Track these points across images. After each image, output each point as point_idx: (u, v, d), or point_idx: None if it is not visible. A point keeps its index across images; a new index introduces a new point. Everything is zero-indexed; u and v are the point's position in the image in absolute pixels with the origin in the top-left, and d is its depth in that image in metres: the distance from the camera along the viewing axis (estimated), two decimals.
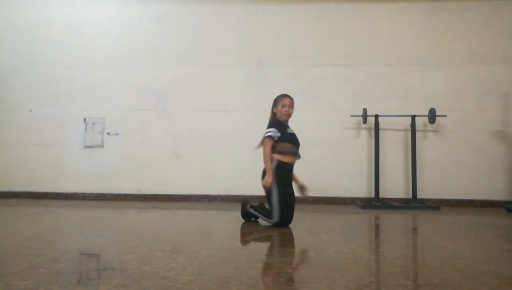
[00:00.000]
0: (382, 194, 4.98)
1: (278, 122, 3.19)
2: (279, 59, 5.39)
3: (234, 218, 3.46)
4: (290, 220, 3.07)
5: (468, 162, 5.08)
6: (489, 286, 1.55)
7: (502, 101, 5.12)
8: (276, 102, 3.27)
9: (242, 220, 3.36)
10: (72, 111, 5.48)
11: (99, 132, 5.42)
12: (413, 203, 4.78)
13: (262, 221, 3.23)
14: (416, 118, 4.98)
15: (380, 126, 5.04)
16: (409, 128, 5.00)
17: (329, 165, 5.12)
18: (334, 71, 5.32)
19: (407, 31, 5.32)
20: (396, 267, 1.86)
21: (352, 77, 5.29)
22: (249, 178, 5.05)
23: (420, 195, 4.95)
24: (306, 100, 5.21)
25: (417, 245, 2.61)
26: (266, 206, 3.21)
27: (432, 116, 4.90)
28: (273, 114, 3.29)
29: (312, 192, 4.87)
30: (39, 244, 2.29)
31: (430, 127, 5.15)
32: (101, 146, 5.41)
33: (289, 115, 3.24)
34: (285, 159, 3.12)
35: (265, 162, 3.08)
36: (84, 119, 5.46)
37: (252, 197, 4.81)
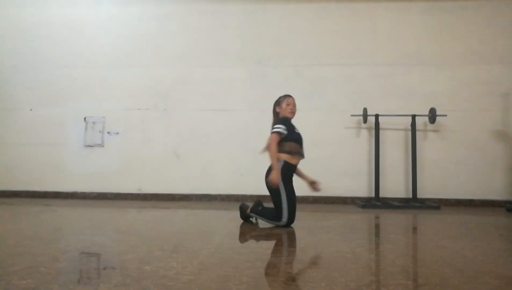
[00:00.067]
0: (382, 194, 4.98)
1: (286, 120, 3.16)
2: (279, 59, 5.39)
3: (234, 218, 3.46)
4: (294, 220, 3.06)
5: (468, 162, 5.08)
6: (489, 285, 1.55)
7: (502, 101, 5.12)
8: (279, 102, 3.26)
9: (242, 220, 3.35)
10: (72, 110, 5.49)
11: (99, 132, 5.42)
12: (413, 203, 4.78)
13: (260, 221, 3.21)
14: (416, 117, 4.98)
15: (381, 125, 5.04)
16: (409, 127, 5.00)
17: (329, 165, 5.12)
18: (334, 71, 5.32)
19: (407, 30, 5.32)
20: (396, 267, 1.86)
21: (352, 76, 5.29)
22: (249, 177, 5.06)
23: (420, 194, 4.95)
24: (306, 100, 5.21)
25: (417, 245, 2.61)
26: (264, 205, 3.20)
27: (432, 115, 4.90)
28: (277, 114, 3.27)
29: (312, 192, 4.89)
30: (39, 243, 2.29)
31: (430, 126, 5.15)
32: (101, 145, 5.41)
33: (294, 114, 3.23)
34: (292, 160, 3.09)
35: (271, 158, 3.00)
36: (84, 119, 5.46)
37: (252, 196, 4.82)
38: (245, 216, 3.26)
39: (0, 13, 5.68)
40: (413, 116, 4.95)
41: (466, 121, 5.12)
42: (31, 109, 5.51)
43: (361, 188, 5.14)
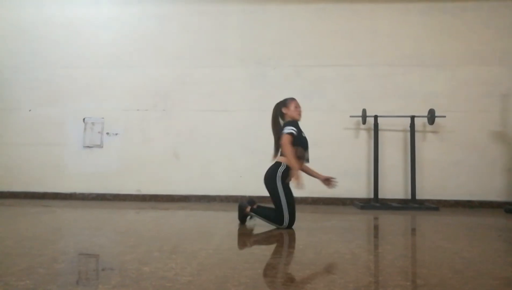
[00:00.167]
0: (381, 195, 4.98)
1: (295, 123, 3.13)
2: (279, 59, 5.39)
3: (233, 219, 3.46)
4: (294, 221, 3.05)
5: (467, 163, 5.09)
6: (487, 286, 1.55)
7: (501, 102, 5.12)
8: (286, 103, 3.22)
9: (239, 220, 3.31)
10: (71, 111, 5.48)
11: (99, 132, 5.42)
12: (412, 204, 4.79)
13: (258, 220, 3.19)
14: (416, 118, 4.98)
15: (380, 126, 5.04)
16: (409, 128, 5.00)
17: (328, 166, 5.08)
18: (334, 71, 5.32)
19: (406, 31, 5.32)
20: (395, 268, 1.86)
21: (351, 77, 5.30)
22: (248, 178, 5.06)
23: (419, 195, 4.95)
24: (305, 100, 5.16)
25: (416, 246, 2.62)
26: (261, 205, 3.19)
27: (431, 116, 4.90)
28: (282, 114, 3.22)
29: (311, 193, 4.90)
30: (38, 244, 2.29)
31: (429, 127, 5.15)
32: (100, 146, 5.41)
33: (301, 116, 3.23)
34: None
35: (290, 159, 2.94)
36: (84, 119, 5.45)
37: (251, 197, 4.81)
38: (243, 215, 3.22)
39: (0, 13, 5.68)
40: (412, 117, 4.96)
41: (465, 122, 5.13)
42: (30, 110, 5.50)
43: (360, 189, 5.14)
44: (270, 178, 3.06)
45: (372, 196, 4.99)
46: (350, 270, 1.80)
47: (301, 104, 3.27)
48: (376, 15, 5.37)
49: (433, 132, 5.18)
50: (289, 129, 3.02)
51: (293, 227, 3.03)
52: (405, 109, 5.11)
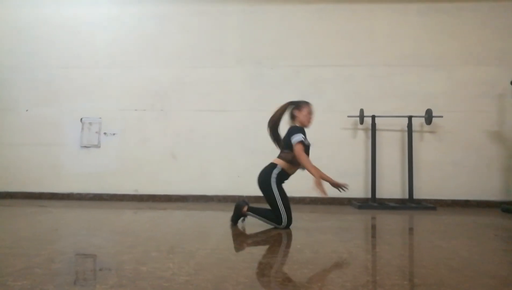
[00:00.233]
0: (378, 195, 4.99)
1: (303, 129, 3.10)
2: (277, 59, 5.39)
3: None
4: (292, 221, 3.05)
5: (464, 163, 5.10)
6: (485, 285, 1.56)
7: (498, 102, 5.14)
8: (300, 106, 3.17)
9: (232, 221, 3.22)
10: (69, 111, 5.46)
11: (96, 132, 5.40)
12: (410, 204, 4.80)
13: (249, 221, 3.17)
14: (413, 118, 4.99)
15: (377, 126, 5.05)
16: (406, 128, 5.02)
17: (326, 165, 5.05)
18: (333, 72, 5.32)
19: (405, 31, 5.33)
20: (392, 267, 1.86)
21: (350, 77, 5.30)
22: (246, 178, 5.05)
23: (417, 195, 4.96)
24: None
25: (413, 245, 2.62)
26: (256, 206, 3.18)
27: (428, 116, 4.91)
28: (293, 117, 3.18)
29: (309, 193, 4.90)
30: (35, 244, 2.28)
31: (426, 127, 5.16)
32: (97, 146, 5.39)
33: (311, 124, 3.21)
34: (290, 169, 3.08)
35: (309, 168, 2.93)
36: (81, 119, 5.44)
37: (249, 197, 4.81)
38: (239, 215, 3.16)
39: None
40: (410, 117, 4.97)
41: (462, 122, 5.14)
42: (27, 110, 5.48)
43: (358, 189, 5.15)
44: (265, 180, 3.05)
45: (369, 196, 5.00)
46: (348, 270, 1.80)
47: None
48: (375, 15, 5.38)
49: (431, 132, 5.19)
50: (299, 137, 2.99)
51: (291, 227, 3.03)
52: (402, 109, 5.13)
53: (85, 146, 5.39)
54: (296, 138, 2.99)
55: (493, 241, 2.71)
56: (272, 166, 3.09)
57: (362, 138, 5.24)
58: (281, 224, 2.98)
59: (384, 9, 5.37)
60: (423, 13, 5.32)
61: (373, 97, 5.23)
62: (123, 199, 5.22)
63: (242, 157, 5.17)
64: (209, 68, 5.41)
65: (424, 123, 5.07)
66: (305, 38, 5.40)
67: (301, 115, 3.15)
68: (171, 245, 2.31)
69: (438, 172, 5.11)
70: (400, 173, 5.15)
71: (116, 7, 5.56)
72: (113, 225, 3.25)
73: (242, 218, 3.20)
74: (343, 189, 3.19)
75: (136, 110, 5.41)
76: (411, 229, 3.45)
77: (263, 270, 1.79)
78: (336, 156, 5.15)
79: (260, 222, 3.11)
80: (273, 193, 3.00)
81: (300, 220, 3.44)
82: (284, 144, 3.13)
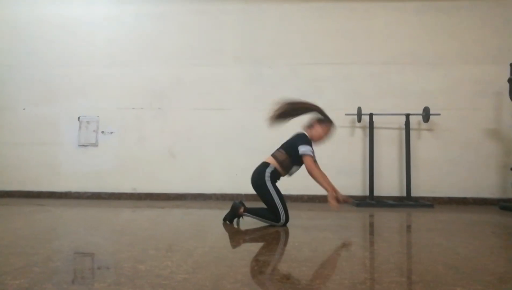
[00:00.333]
0: (376, 193, 5.00)
1: (311, 143, 3.07)
2: (275, 58, 5.39)
3: None
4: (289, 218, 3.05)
5: (462, 160, 5.12)
6: (482, 282, 1.57)
7: (495, 100, 5.16)
8: (323, 121, 3.11)
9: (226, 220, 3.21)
10: (66, 109, 5.45)
11: (94, 131, 5.39)
12: (407, 201, 4.81)
13: (248, 218, 3.17)
14: (410, 116, 5.01)
15: (375, 124, 5.06)
16: (404, 126, 5.03)
17: (324, 164, 5.07)
18: (331, 70, 5.32)
19: (402, 30, 5.34)
20: (390, 264, 1.87)
21: (348, 75, 5.30)
22: (244, 177, 5.03)
23: (414, 193, 4.98)
24: (302, 99, 5.21)
25: (411, 243, 2.63)
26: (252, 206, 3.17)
27: (426, 114, 4.92)
28: (311, 125, 3.13)
29: (307, 191, 4.92)
30: (33, 243, 2.28)
31: (424, 125, 5.17)
32: (95, 144, 5.38)
33: (321, 142, 3.16)
34: (281, 172, 3.08)
35: (322, 182, 2.93)
36: (78, 118, 5.43)
37: (247, 195, 4.82)
38: (233, 215, 3.14)
39: None
40: (407, 115, 4.98)
41: (460, 119, 5.16)
42: (24, 109, 5.47)
43: (356, 186, 5.16)
44: (259, 179, 3.05)
45: (367, 193, 5.01)
46: (346, 267, 1.80)
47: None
48: (373, 13, 5.38)
49: (428, 130, 5.20)
50: (308, 149, 2.98)
51: (289, 224, 3.03)
52: (400, 107, 5.14)
53: (83, 145, 5.38)
54: (305, 149, 2.97)
55: (491, 238, 2.72)
56: (265, 165, 3.09)
57: (360, 136, 5.25)
58: (279, 221, 2.98)
59: (382, 7, 5.37)
60: (421, 11, 5.33)
61: (370, 95, 5.23)
62: (121, 198, 5.22)
63: (241, 156, 5.17)
64: (208, 66, 5.41)
65: (422, 121, 5.09)
66: (304, 37, 5.40)
67: (319, 130, 3.09)
68: (169, 244, 2.31)
69: (436, 170, 5.13)
70: (398, 171, 5.16)
71: (114, 6, 5.55)
72: (111, 223, 3.25)
73: (237, 219, 3.19)
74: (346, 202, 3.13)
75: (134, 108, 5.41)
76: (408, 227, 3.46)
77: (261, 268, 1.79)
78: (334, 154, 5.15)
79: (257, 220, 3.11)
80: (269, 191, 3.00)
81: (298, 218, 3.45)
82: (286, 145, 3.12)
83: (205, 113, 5.36)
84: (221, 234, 2.76)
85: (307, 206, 4.56)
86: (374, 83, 5.28)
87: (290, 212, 3.06)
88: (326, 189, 2.92)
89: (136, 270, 1.68)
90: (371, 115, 5.01)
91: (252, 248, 2.35)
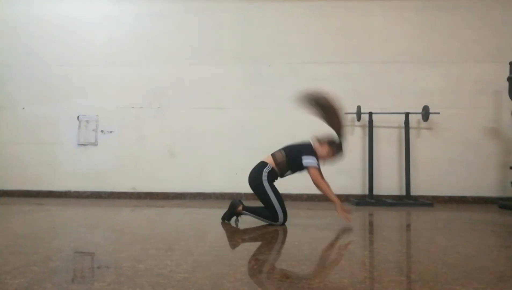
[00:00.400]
0: (376, 191, 5.00)
1: (316, 154, 3.06)
2: (274, 57, 5.38)
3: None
4: (287, 217, 3.05)
5: (461, 159, 5.12)
6: (481, 281, 1.57)
7: (495, 99, 5.16)
8: (333, 145, 3.10)
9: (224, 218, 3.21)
10: (65, 109, 5.44)
11: (93, 130, 5.39)
12: (407, 200, 4.81)
13: (247, 216, 3.17)
14: (410, 115, 5.01)
15: (374, 123, 5.06)
16: (403, 125, 5.02)
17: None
18: (330, 69, 5.32)
19: (401, 28, 5.34)
20: (389, 263, 1.87)
21: (346, 74, 5.30)
22: (243, 175, 5.03)
23: (414, 192, 4.98)
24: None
25: (410, 242, 2.63)
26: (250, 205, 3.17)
27: (425, 113, 4.92)
28: (321, 142, 3.12)
29: (306, 190, 4.91)
30: (33, 242, 2.28)
31: (423, 124, 5.17)
32: (94, 144, 5.38)
33: (323, 163, 3.13)
34: (277, 172, 3.08)
35: (329, 195, 2.94)
36: (78, 117, 5.42)
37: (246, 194, 4.82)
38: (231, 213, 3.15)
39: None
40: (407, 114, 4.98)
41: (459, 118, 5.15)
42: (23, 108, 5.46)
43: (355, 185, 5.16)
44: (256, 179, 3.06)
45: (367, 192, 5.01)
46: (345, 266, 1.80)
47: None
48: (371, 12, 5.37)
49: (428, 128, 5.20)
50: (314, 161, 2.98)
51: (289, 223, 3.03)
52: (399, 106, 5.14)
53: (82, 144, 5.38)
54: (311, 161, 2.97)
55: (490, 237, 2.72)
56: (263, 164, 3.09)
57: (359, 135, 5.25)
58: (277, 221, 2.98)
59: (381, 6, 5.37)
60: (420, 10, 5.32)
61: (370, 94, 5.23)
62: (120, 197, 5.22)
63: (240, 155, 5.17)
64: (207, 65, 5.40)
65: (421, 120, 5.09)
66: (303, 36, 5.40)
67: (327, 151, 3.08)
68: (168, 243, 2.31)
69: (435, 169, 5.13)
70: (397, 169, 5.16)
71: (113, 5, 5.54)
72: (110, 223, 3.24)
73: (236, 218, 3.20)
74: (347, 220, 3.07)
75: (133, 108, 5.40)
76: (408, 226, 3.47)
77: (260, 267, 1.80)
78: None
79: (256, 219, 3.11)
80: (266, 191, 3.00)
81: (298, 217, 3.45)
82: (289, 149, 3.12)
83: (204, 112, 5.36)
84: (220, 233, 2.76)
85: (307, 205, 4.56)
86: (373, 82, 5.27)
87: (290, 211, 3.06)
88: (334, 201, 2.91)
89: (135, 269, 1.68)
90: (370, 114, 5.01)
91: (251, 247, 2.35)
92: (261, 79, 5.34)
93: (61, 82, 5.48)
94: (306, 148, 3.08)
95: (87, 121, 5.39)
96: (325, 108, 3.13)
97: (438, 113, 4.96)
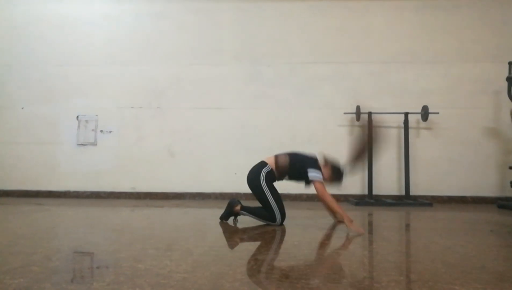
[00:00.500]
0: (375, 191, 5.01)
1: (320, 168, 3.06)
2: (274, 57, 5.38)
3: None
4: (285, 217, 3.05)
5: (461, 159, 5.12)
6: (480, 281, 1.57)
7: (494, 99, 5.16)
8: (335, 169, 3.11)
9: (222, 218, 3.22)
10: (65, 108, 5.44)
11: (92, 130, 5.38)
12: (406, 200, 4.81)
13: (246, 216, 3.17)
14: (409, 115, 5.01)
15: (374, 123, 5.06)
16: (402, 125, 5.03)
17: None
18: (329, 69, 5.32)
19: (401, 28, 5.34)
20: (389, 263, 1.87)
21: (346, 74, 5.30)
22: (243, 175, 5.03)
23: (413, 192, 4.98)
24: (300, 97, 5.22)
25: (410, 241, 2.63)
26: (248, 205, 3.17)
27: (425, 113, 4.93)
28: (327, 162, 3.13)
29: (306, 189, 4.90)
30: (32, 242, 2.28)
31: (423, 124, 5.18)
32: (94, 144, 5.38)
33: (324, 183, 3.10)
34: (275, 174, 3.08)
35: (335, 208, 2.93)
36: (77, 117, 5.42)
37: (246, 194, 4.82)
38: (229, 213, 3.16)
39: None
40: (406, 114, 4.98)
41: (459, 118, 5.16)
42: (22, 108, 5.46)
43: (355, 185, 5.16)
44: (254, 179, 3.05)
45: (366, 192, 5.02)
46: (345, 266, 1.81)
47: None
48: (370, 12, 5.38)
49: (427, 128, 5.21)
50: (319, 175, 2.98)
51: (288, 223, 3.03)
52: (399, 106, 5.14)
53: (82, 144, 5.38)
54: (316, 175, 2.96)
55: (489, 237, 2.72)
56: (262, 165, 3.09)
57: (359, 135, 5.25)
58: (275, 221, 2.98)
59: (381, 6, 5.37)
60: (420, 10, 5.33)
61: (369, 94, 5.23)
62: (120, 197, 5.22)
63: (239, 154, 5.17)
64: (206, 65, 5.40)
65: (421, 120, 5.09)
66: (302, 35, 5.40)
67: (327, 174, 3.07)
68: (168, 243, 2.31)
69: (435, 169, 5.13)
70: (397, 169, 5.16)
71: (113, 5, 5.54)
72: (110, 223, 3.24)
73: (234, 217, 3.20)
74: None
75: (133, 107, 5.40)
76: (407, 226, 3.47)
77: (260, 266, 1.80)
78: (332, 153, 5.14)
79: (254, 219, 3.11)
80: (263, 191, 3.00)
81: (297, 217, 3.45)
82: (295, 156, 3.11)
83: (204, 112, 5.36)
84: (220, 233, 2.76)
85: (306, 205, 4.56)
86: (373, 81, 5.28)
87: (289, 211, 3.06)
88: (341, 215, 2.88)
89: (135, 269, 1.68)
90: (369, 113, 5.01)
91: (251, 247, 2.35)
92: (260, 79, 5.34)
93: (60, 82, 5.48)
94: (312, 162, 3.06)
95: (87, 121, 5.39)
96: (364, 142, 3.29)
97: (438, 113, 4.96)
